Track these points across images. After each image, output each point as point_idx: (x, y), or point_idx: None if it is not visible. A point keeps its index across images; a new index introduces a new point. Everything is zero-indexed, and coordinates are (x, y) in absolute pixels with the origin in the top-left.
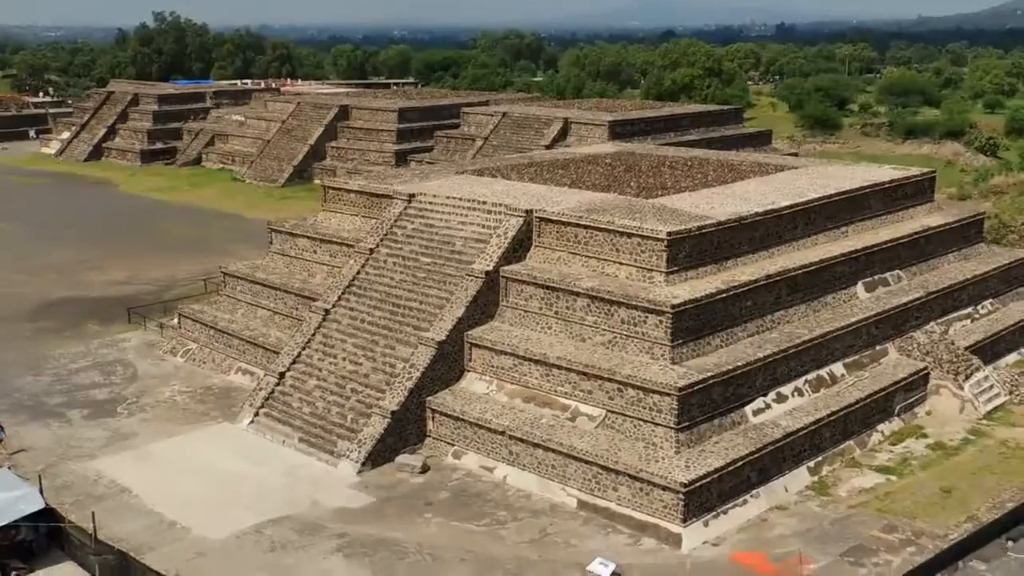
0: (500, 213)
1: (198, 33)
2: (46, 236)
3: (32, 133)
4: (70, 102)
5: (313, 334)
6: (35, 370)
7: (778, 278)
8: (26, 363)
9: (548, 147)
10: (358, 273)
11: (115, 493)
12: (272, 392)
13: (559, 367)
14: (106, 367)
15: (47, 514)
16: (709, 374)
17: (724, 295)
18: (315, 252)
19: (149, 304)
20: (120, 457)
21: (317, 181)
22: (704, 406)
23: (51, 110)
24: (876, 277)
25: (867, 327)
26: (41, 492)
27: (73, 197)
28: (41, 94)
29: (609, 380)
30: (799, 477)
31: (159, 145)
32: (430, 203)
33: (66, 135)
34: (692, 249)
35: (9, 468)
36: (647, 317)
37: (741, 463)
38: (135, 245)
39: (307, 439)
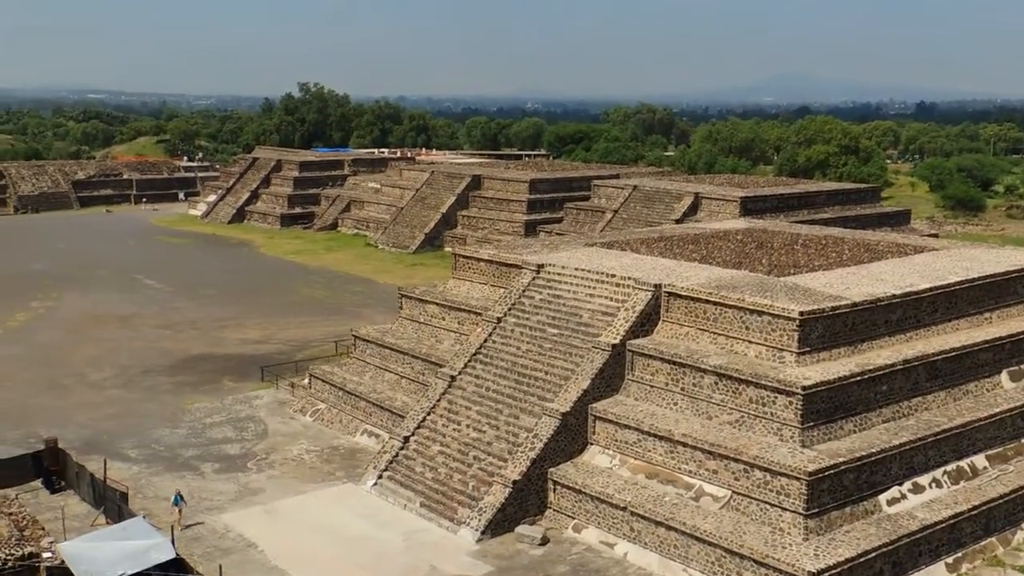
0: (628, 286)
1: (339, 103)
2: (188, 294)
3: (181, 195)
4: (217, 167)
5: (438, 400)
6: (172, 422)
7: (916, 363)
8: (164, 415)
9: (678, 221)
10: (485, 341)
11: (242, 547)
12: (396, 456)
13: (684, 444)
14: (239, 423)
15: (177, 564)
16: (841, 459)
17: (858, 378)
18: (444, 319)
19: (282, 363)
20: (248, 512)
21: (447, 248)
22: (835, 492)
23: (200, 174)
24: (1023, 367)
25: (1012, 418)
26: (173, 543)
27: (215, 257)
28: (185, 158)
29: (735, 460)
30: (936, 574)
31: (298, 209)
32: (559, 274)
33: (212, 198)
34: (825, 330)
35: (143, 517)
36: (776, 398)
37: (874, 554)
38: (271, 305)
39: (428, 504)
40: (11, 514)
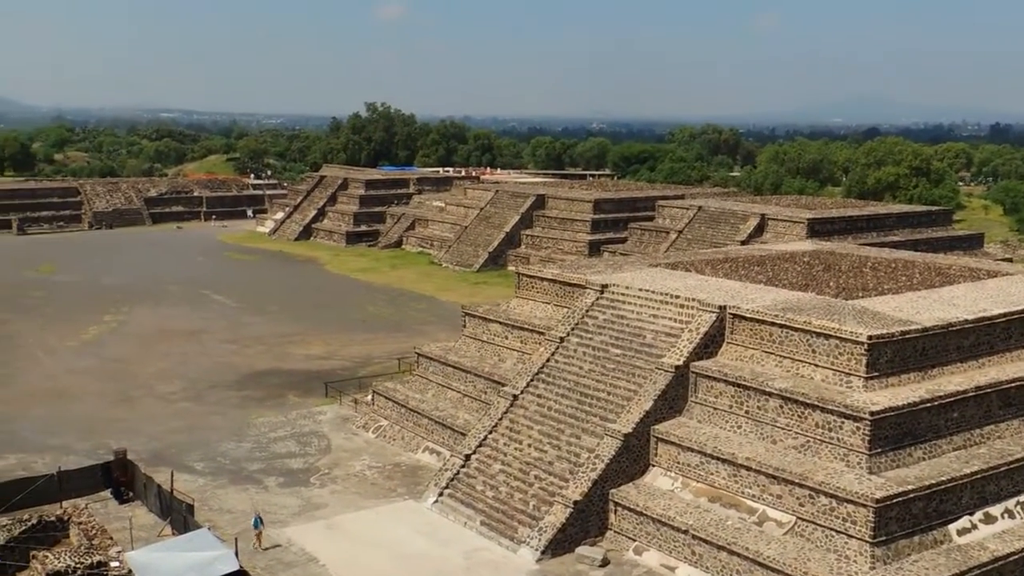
0: (693, 308)
1: (406, 123)
2: (255, 310)
3: (250, 212)
4: (285, 185)
5: (500, 419)
6: (238, 436)
7: (989, 390)
8: (230, 429)
9: (743, 243)
10: (548, 360)
11: (304, 561)
12: (457, 473)
13: (748, 468)
14: (302, 438)
15: None
16: (910, 487)
17: (928, 404)
18: (506, 337)
19: (345, 379)
20: (311, 526)
21: (511, 267)
22: (903, 521)
23: (268, 192)
24: None
25: None
26: (236, 555)
27: (282, 274)
28: (252, 175)
29: (800, 486)
30: None
31: (363, 227)
32: (622, 295)
33: (280, 215)
34: (894, 354)
35: (208, 529)
36: (843, 423)
37: None
38: (336, 322)
39: (489, 522)
40: (81, 523)
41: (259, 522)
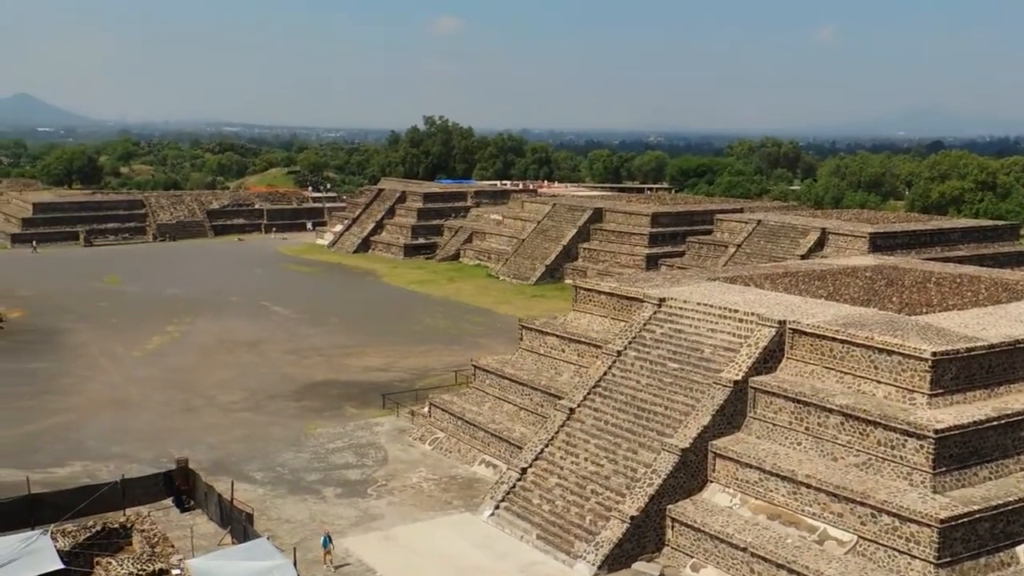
0: (752, 322)
1: (464, 136)
2: (314, 321)
3: (309, 225)
4: (344, 197)
5: (557, 432)
6: (296, 446)
7: None
8: (289, 439)
9: (803, 257)
10: (605, 374)
11: (361, 572)
12: (514, 487)
13: (808, 486)
14: (360, 449)
15: None
16: (975, 507)
17: (995, 423)
18: (563, 351)
19: (403, 391)
20: (368, 537)
21: (568, 281)
22: (968, 542)
23: (327, 204)
24: None
25: None
26: (295, 564)
27: (340, 286)
28: (310, 188)
29: (862, 504)
30: None
31: (421, 240)
32: (680, 308)
33: (339, 228)
34: (959, 371)
35: (267, 538)
36: (906, 441)
37: None
38: (393, 334)
39: (545, 536)
40: (143, 531)
41: (328, 541)
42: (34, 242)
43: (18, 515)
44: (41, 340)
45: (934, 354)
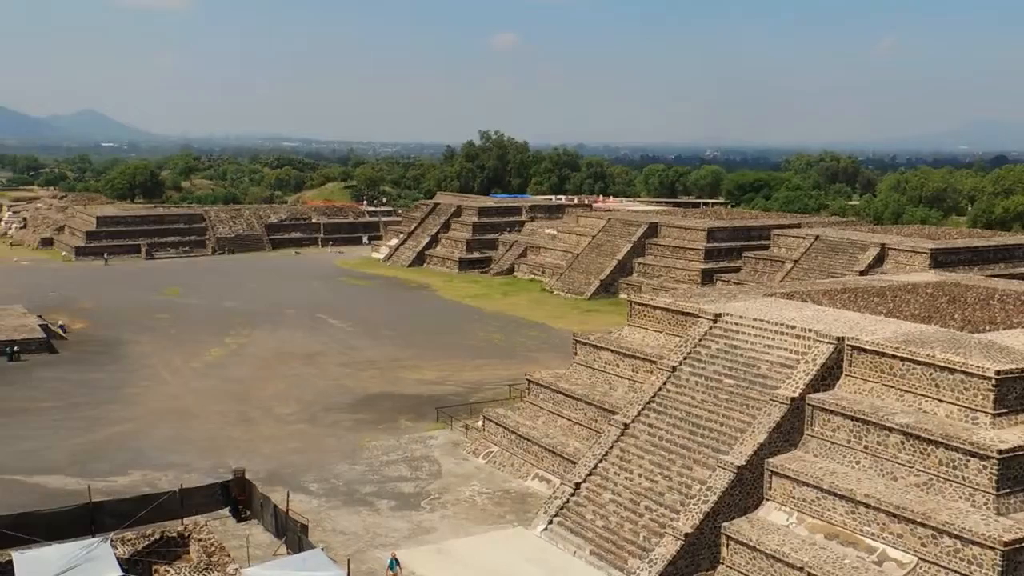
0: (809, 339)
1: (519, 151)
2: (369, 334)
3: (365, 239)
4: (400, 212)
5: (611, 447)
6: (351, 458)
7: None
8: (344, 451)
9: (862, 273)
10: (659, 390)
11: None
12: (567, 502)
13: (867, 505)
14: (414, 462)
15: None
16: None
17: None
18: (618, 366)
19: (457, 405)
20: (421, 550)
21: (623, 296)
22: None
23: (383, 218)
24: None
25: None
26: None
27: (396, 300)
28: (365, 202)
29: (923, 525)
30: None
31: (476, 254)
32: (736, 324)
33: (394, 242)
34: None
35: (322, 549)
36: (969, 461)
37: None
38: (448, 347)
39: (598, 552)
40: (201, 540)
41: (395, 564)
42: (106, 255)
43: (80, 522)
44: (103, 351)
45: (998, 373)
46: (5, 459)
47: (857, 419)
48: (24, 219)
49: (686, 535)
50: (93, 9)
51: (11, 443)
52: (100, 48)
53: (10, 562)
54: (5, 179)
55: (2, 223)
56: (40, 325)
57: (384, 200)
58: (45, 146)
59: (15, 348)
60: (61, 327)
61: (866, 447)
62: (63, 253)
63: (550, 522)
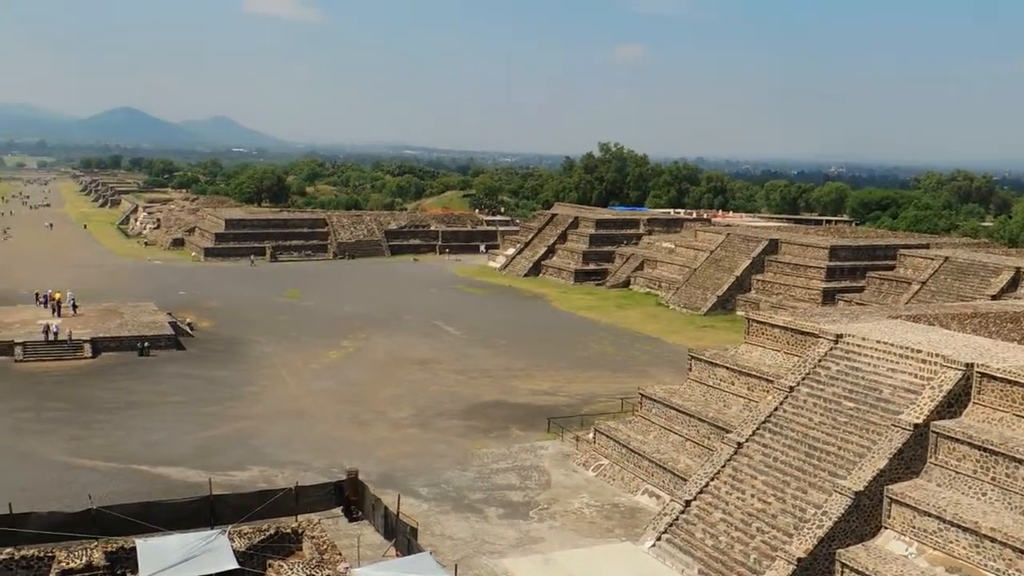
0: (936, 364)
1: (638, 163)
2: (483, 343)
3: (482, 247)
4: (517, 221)
5: (723, 466)
6: (461, 465)
7: None
8: (455, 457)
9: (995, 297)
10: (775, 410)
11: None
12: (676, 519)
13: (993, 539)
14: (523, 471)
15: None
16: None
17: None
18: (733, 383)
19: (568, 416)
20: (527, 559)
21: (739, 312)
22: None
23: (500, 228)
24: None
25: None
26: None
27: (510, 309)
28: (477, 210)
29: None
30: None
31: (592, 266)
32: (858, 346)
33: (511, 251)
34: None
35: (430, 553)
36: None
37: None
38: (561, 358)
39: (707, 572)
40: (314, 537)
41: None
42: (252, 256)
43: (200, 514)
44: (226, 349)
45: None
46: (134, 450)
47: (985, 449)
48: (158, 220)
49: (799, 559)
50: (231, 19)
51: (139, 434)
52: (235, 58)
53: (134, 548)
54: (141, 181)
55: (137, 223)
56: (169, 323)
57: (502, 209)
58: (180, 151)
59: (145, 344)
60: (188, 325)
61: (993, 479)
62: (193, 253)
63: (658, 538)
